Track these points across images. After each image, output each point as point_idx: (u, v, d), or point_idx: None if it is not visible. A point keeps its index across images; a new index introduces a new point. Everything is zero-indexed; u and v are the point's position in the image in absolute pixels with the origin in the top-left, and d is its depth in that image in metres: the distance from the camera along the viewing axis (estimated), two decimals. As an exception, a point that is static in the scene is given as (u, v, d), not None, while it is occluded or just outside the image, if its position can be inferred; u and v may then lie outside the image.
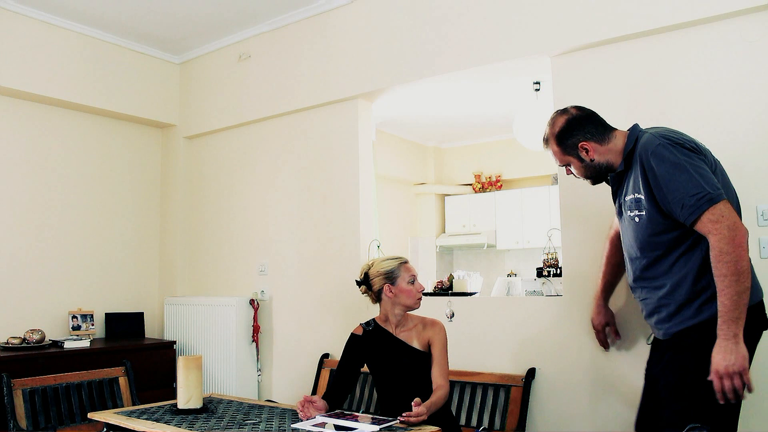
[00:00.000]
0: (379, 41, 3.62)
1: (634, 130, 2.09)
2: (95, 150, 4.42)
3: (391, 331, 2.49)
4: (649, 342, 2.30)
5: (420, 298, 2.50)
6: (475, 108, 5.98)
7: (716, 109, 2.57)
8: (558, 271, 3.55)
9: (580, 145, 2.11)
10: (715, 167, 1.97)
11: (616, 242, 2.40)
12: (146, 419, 2.32)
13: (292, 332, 3.94)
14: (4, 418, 2.98)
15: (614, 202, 2.22)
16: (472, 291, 3.57)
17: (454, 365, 3.06)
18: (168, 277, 4.66)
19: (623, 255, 2.23)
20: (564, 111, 2.18)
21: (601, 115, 2.22)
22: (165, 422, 2.27)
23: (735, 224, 1.80)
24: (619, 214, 2.15)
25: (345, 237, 3.71)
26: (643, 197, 1.97)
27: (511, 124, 5.13)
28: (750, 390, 1.82)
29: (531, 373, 2.93)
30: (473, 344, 3.16)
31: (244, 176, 4.32)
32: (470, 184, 7.61)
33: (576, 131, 2.11)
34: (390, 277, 2.46)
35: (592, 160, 2.11)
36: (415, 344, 2.47)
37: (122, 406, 3.25)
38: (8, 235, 3.91)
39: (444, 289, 3.57)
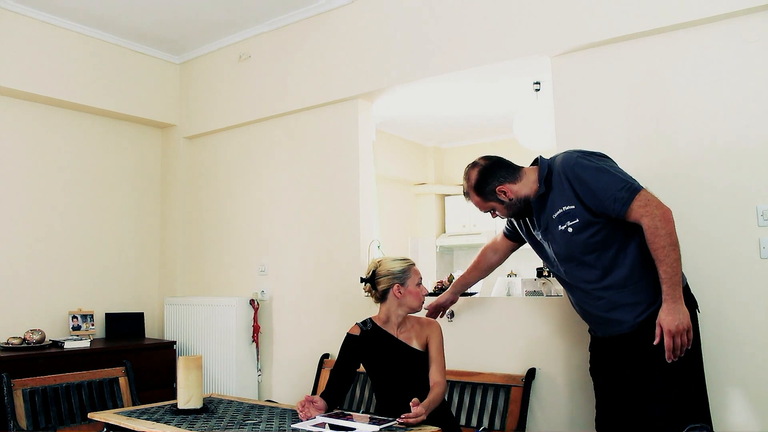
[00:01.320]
0: (379, 41, 3.62)
1: (542, 159, 2.33)
2: (95, 150, 4.42)
3: (391, 332, 2.49)
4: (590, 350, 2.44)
5: (423, 301, 2.53)
6: (475, 108, 5.98)
7: (716, 109, 2.57)
8: (558, 271, 3.55)
9: (497, 189, 2.32)
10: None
11: (490, 254, 2.78)
12: (146, 419, 2.32)
13: (292, 332, 3.94)
14: (4, 418, 2.98)
15: (531, 228, 2.41)
16: (472, 291, 3.57)
17: (454, 366, 3.07)
18: (168, 277, 4.66)
19: (488, 264, 2.74)
20: (474, 164, 2.39)
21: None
22: (165, 422, 2.27)
23: (660, 204, 2.05)
24: (545, 234, 2.31)
25: (345, 237, 3.71)
26: (573, 206, 2.16)
27: (511, 124, 5.13)
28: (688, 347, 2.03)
29: (531, 373, 2.93)
30: (473, 344, 3.16)
31: (244, 176, 4.32)
32: (470, 184, 7.60)
33: (490, 179, 2.33)
34: (400, 277, 2.48)
35: (510, 200, 2.32)
36: (415, 345, 2.47)
37: (122, 406, 3.25)
38: (8, 235, 3.91)
39: (444, 289, 3.57)
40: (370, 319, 2.56)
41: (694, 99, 2.62)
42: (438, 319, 2.80)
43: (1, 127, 3.93)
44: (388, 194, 6.88)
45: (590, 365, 2.42)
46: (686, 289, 2.14)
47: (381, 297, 2.51)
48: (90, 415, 2.51)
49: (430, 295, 3.50)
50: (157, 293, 4.69)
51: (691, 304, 2.13)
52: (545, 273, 4.14)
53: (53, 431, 3.04)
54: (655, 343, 2.03)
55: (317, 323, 3.79)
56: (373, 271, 2.53)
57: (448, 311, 3.20)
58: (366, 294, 2.58)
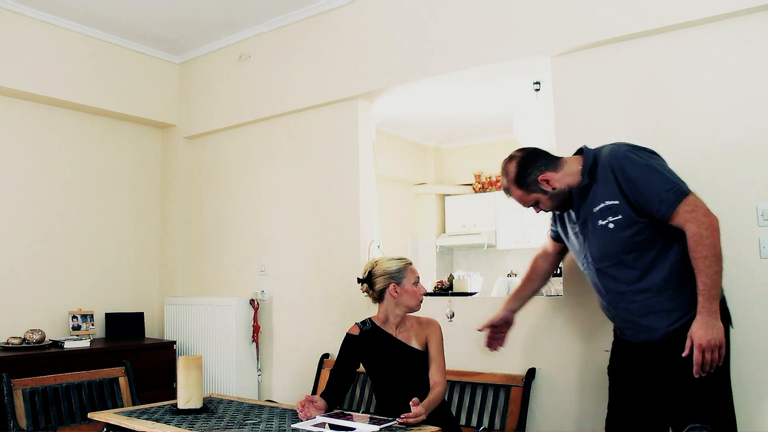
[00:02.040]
0: (379, 41, 3.62)
1: (587, 149, 2.20)
2: (95, 150, 4.42)
3: (390, 332, 2.49)
4: (607, 349, 2.40)
5: (422, 300, 2.51)
6: (475, 108, 5.98)
7: (716, 109, 2.57)
8: (558, 271, 3.55)
9: (539, 179, 2.19)
10: None
11: (540, 262, 2.61)
12: (146, 419, 2.32)
13: (292, 332, 3.94)
14: (4, 418, 2.98)
15: (557, 225, 2.36)
16: (472, 291, 3.57)
17: (454, 365, 3.06)
18: (168, 277, 4.66)
19: (540, 273, 2.59)
20: (511, 158, 2.27)
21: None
22: (165, 422, 2.27)
23: (708, 212, 1.95)
24: (583, 227, 2.19)
25: (345, 237, 3.71)
26: (617, 202, 2.06)
27: (511, 124, 5.13)
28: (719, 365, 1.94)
29: (531, 373, 2.93)
30: (473, 344, 3.16)
31: (244, 176, 4.32)
32: (470, 184, 7.61)
33: (530, 168, 2.21)
34: (396, 277, 2.47)
35: (554, 189, 2.19)
36: (414, 344, 2.47)
37: (122, 406, 3.25)
38: (8, 235, 3.91)
39: (444, 289, 3.57)
40: (369, 319, 2.56)
41: (694, 99, 2.62)
42: (438, 319, 2.79)
43: (1, 127, 3.93)
44: (388, 194, 6.88)
45: (610, 364, 2.34)
46: (722, 303, 2.01)
47: (378, 297, 2.51)
48: (90, 415, 2.51)
49: (430, 294, 3.50)
50: (157, 293, 4.69)
51: (725, 319, 2.02)
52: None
53: (53, 431, 3.04)
54: (683, 354, 1.93)
55: (317, 323, 3.79)
56: (370, 272, 2.52)
57: (448, 311, 3.20)
58: (364, 294, 2.58)
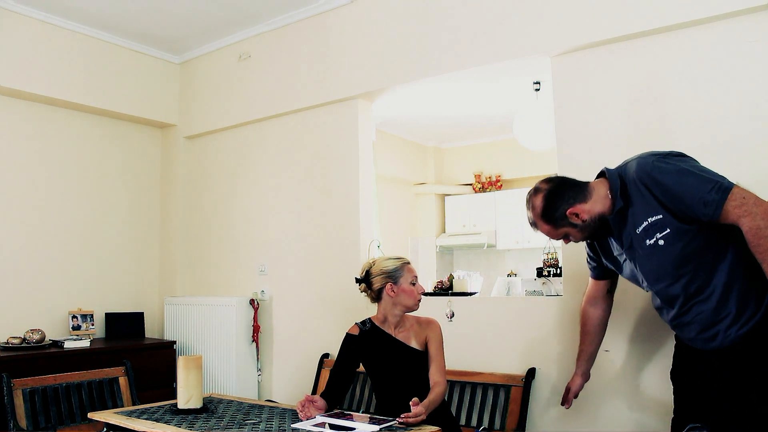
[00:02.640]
0: (379, 41, 3.62)
1: (610, 170, 2.07)
2: (95, 150, 4.42)
3: (389, 331, 2.49)
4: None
5: (420, 300, 2.50)
6: (475, 108, 5.98)
7: (716, 109, 2.57)
8: (558, 271, 3.56)
9: (567, 213, 2.05)
10: None
11: (590, 310, 2.42)
12: (146, 419, 2.32)
13: (292, 332, 3.94)
14: (4, 418, 2.98)
15: (599, 259, 2.21)
16: (472, 291, 3.58)
17: (454, 365, 3.06)
18: (168, 277, 4.66)
19: (595, 323, 2.39)
20: (537, 190, 2.12)
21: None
22: (165, 422, 2.27)
23: (759, 200, 1.79)
24: (629, 252, 2.05)
25: (345, 237, 3.71)
26: (661, 216, 1.91)
27: (511, 124, 5.13)
28: None
29: (531, 373, 2.93)
30: (473, 344, 3.16)
31: (244, 176, 4.32)
32: (470, 184, 7.61)
33: (558, 203, 2.06)
34: (393, 276, 2.46)
35: (584, 221, 2.06)
36: (414, 344, 2.47)
37: (122, 406, 3.25)
38: (8, 235, 3.91)
39: (444, 289, 3.57)
40: (369, 319, 2.55)
41: (693, 99, 2.62)
42: (438, 319, 2.79)
43: (1, 127, 3.93)
44: (388, 194, 6.88)
45: (673, 369, 2.19)
46: None
47: (376, 297, 2.51)
48: (90, 415, 2.51)
49: (430, 294, 3.50)
50: (157, 293, 4.69)
51: None
52: (545, 273, 4.14)
53: (53, 431, 3.04)
54: None
55: (317, 323, 3.79)
56: (367, 271, 2.52)
57: (448, 311, 3.20)
58: (363, 294, 2.58)
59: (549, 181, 2.12)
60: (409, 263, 2.53)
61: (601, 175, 2.09)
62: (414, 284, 2.48)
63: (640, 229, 1.96)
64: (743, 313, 1.88)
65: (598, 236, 2.13)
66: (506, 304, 3.17)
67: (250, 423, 2.25)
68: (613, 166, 2.10)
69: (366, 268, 2.53)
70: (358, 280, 2.55)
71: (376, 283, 2.47)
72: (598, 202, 2.04)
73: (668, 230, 1.90)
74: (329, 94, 3.83)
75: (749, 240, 1.77)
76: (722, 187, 1.81)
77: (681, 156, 1.96)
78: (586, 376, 2.52)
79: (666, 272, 1.96)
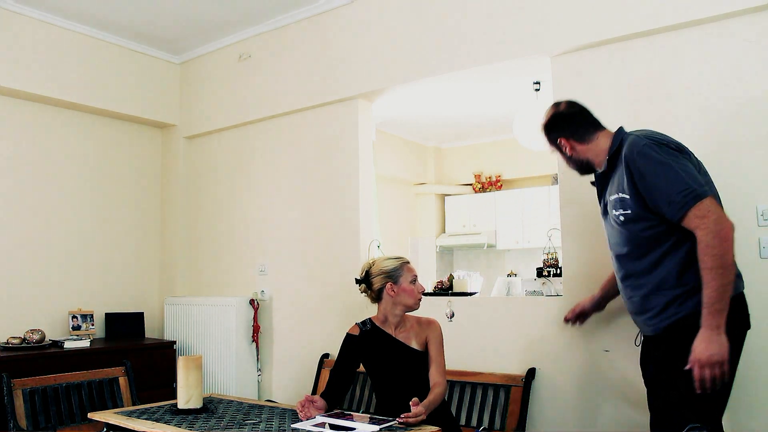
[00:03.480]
0: (379, 41, 3.62)
1: (620, 132, 2.15)
2: (95, 150, 4.42)
3: (389, 332, 2.49)
4: (638, 344, 2.35)
5: (420, 299, 2.50)
6: (475, 108, 5.98)
7: (716, 109, 2.57)
8: (558, 271, 3.56)
9: (558, 140, 2.24)
10: (699, 168, 2.04)
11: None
12: (146, 419, 2.32)
13: (292, 332, 3.94)
14: (4, 418, 2.98)
15: (599, 203, 2.29)
16: (472, 291, 3.57)
17: (454, 365, 3.06)
18: (168, 277, 4.66)
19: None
20: (556, 105, 2.28)
21: (599, 114, 2.24)
22: (165, 422, 2.27)
23: (721, 218, 1.85)
24: (604, 214, 2.22)
25: (345, 237, 3.71)
26: (628, 196, 2.02)
27: (511, 124, 5.13)
28: (725, 380, 1.86)
29: (531, 373, 2.93)
30: (473, 344, 3.16)
31: (244, 176, 4.32)
32: (470, 184, 7.61)
33: (557, 127, 2.24)
34: (392, 276, 2.46)
35: (570, 156, 2.24)
36: (414, 344, 2.47)
37: (122, 406, 3.25)
38: (8, 235, 3.91)
39: (444, 289, 3.57)
40: (369, 319, 2.56)
41: (694, 99, 2.62)
42: (438, 319, 2.79)
43: (1, 127, 3.93)
44: (388, 194, 6.88)
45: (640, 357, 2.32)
46: (738, 300, 1.94)
47: (376, 297, 2.51)
48: (90, 415, 2.52)
49: (430, 294, 3.50)
50: (157, 293, 4.69)
51: (740, 326, 1.95)
52: (545, 273, 4.13)
53: (53, 431, 3.04)
54: (685, 368, 1.87)
55: (317, 323, 3.79)
56: (367, 271, 2.52)
57: (448, 311, 3.20)
58: (363, 294, 2.58)
59: (570, 105, 2.26)
60: (408, 263, 2.53)
61: (620, 131, 2.17)
62: (414, 283, 2.48)
63: (612, 198, 2.11)
64: (669, 308, 1.99)
65: (584, 173, 2.31)
66: (506, 304, 3.17)
67: (250, 423, 2.25)
68: None
69: (365, 268, 2.54)
70: (358, 281, 2.55)
71: (376, 283, 2.48)
72: (592, 151, 2.20)
73: (629, 211, 2.02)
74: (329, 94, 3.83)
75: (698, 253, 1.87)
76: (694, 193, 1.87)
77: (679, 150, 2.01)
78: (598, 304, 2.60)
79: (619, 244, 2.13)
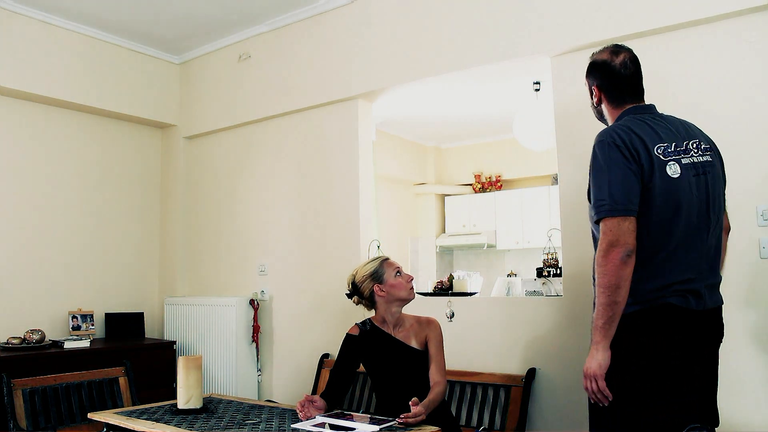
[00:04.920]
0: (379, 41, 3.62)
1: (621, 115, 2.06)
2: (95, 150, 4.42)
3: (389, 331, 2.49)
4: None
5: (411, 288, 2.49)
6: (475, 108, 5.98)
7: (716, 109, 2.57)
8: (558, 271, 3.55)
9: (589, 81, 2.14)
10: (652, 177, 1.88)
11: None
12: (146, 419, 2.32)
13: (292, 332, 3.94)
14: (4, 418, 2.97)
15: None
16: (472, 291, 3.57)
17: (454, 365, 3.07)
18: (168, 277, 4.66)
19: None
20: (615, 52, 2.11)
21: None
22: (165, 422, 2.27)
23: (615, 242, 1.81)
24: None
25: (345, 237, 3.71)
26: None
27: (511, 124, 5.13)
28: (607, 397, 1.83)
29: (531, 373, 2.93)
30: (473, 344, 3.16)
31: (244, 176, 4.32)
32: (470, 184, 7.61)
33: (596, 73, 2.11)
34: (376, 277, 2.47)
35: (595, 106, 2.15)
36: (413, 344, 2.47)
37: (122, 406, 3.25)
38: (8, 235, 3.91)
39: (444, 289, 3.57)
40: (369, 319, 2.56)
41: (693, 99, 2.62)
42: (438, 319, 2.79)
43: (1, 127, 3.93)
44: (388, 194, 6.88)
45: None
46: (629, 339, 1.84)
47: (370, 302, 2.51)
48: (90, 415, 2.51)
49: (430, 294, 3.50)
50: (157, 293, 4.69)
51: (628, 342, 1.84)
52: (545, 273, 4.13)
53: (53, 431, 3.04)
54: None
55: (317, 323, 3.79)
56: (352, 283, 2.54)
57: (448, 311, 3.20)
58: (359, 306, 2.58)
59: (625, 66, 2.09)
60: (387, 259, 2.53)
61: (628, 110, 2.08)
62: (399, 275, 2.48)
63: None
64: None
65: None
66: (506, 304, 3.17)
67: (250, 423, 2.25)
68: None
69: (350, 280, 2.56)
70: (348, 295, 2.56)
71: (365, 290, 2.49)
72: (610, 114, 2.11)
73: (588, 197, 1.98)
74: (329, 94, 3.83)
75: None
76: (606, 208, 1.84)
77: (625, 157, 1.88)
78: None
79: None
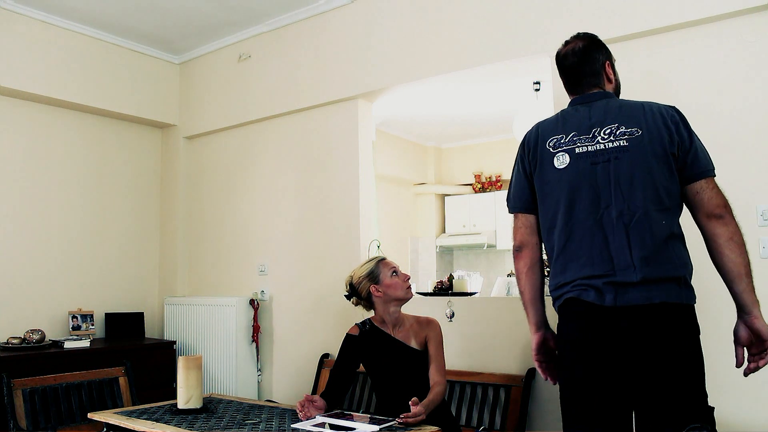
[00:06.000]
0: (379, 41, 3.62)
1: (569, 104, 1.99)
2: (95, 150, 4.42)
3: (388, 331, 2.49)
4: None
5: (409, 287, 2.50)
6: (475, 108, 5.98)
7: (716, 109, 2.57)
8: (558, 271, 3.55)
9: (605, 62, 1.97)
10: (537, 172, 1.90)
11: None
12: (146, 419, 2.32)
13: (292, 332, 3.94)
14: (4, 418, 2.97)
15: None
16: (472, 291, 3.57)
17: (454, 365, 3.07)
18: (168, 277, 4.66)
19: None
20: (565, 42, 2.03)
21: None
22: (165, 422, 2.27)
23: (513, 237, 1.99)
24: None
25: (345, 237, 3.71)
26: None
27: (511, 124, 5.13)
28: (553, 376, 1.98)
29: (531, 373, 2.93)
30: (473, 344, 3.16)
31: (244, 176, 4.32)
32: (470, 184, 7.61)
33: (607, 51, 2.00)
34: (372, 277, 2.48)
35: (612, 81, 2.00)
36: (413, 344, 2.47)
37: (122, 406, 3.25)
38: (8, 235, 3.91)
39: (444, 289, 3.57)
40: (369, 319, 2.56)
41: (693, 99, 2.62)
42: (438, 319, 2.79)
43: (1, 127, 3.93)
44: (388, 194, 6.88)
45: None
46: (563, 305, 1.86)
47: (368, 303, 2.53)
48: (90, 415, 2.51)
49: (430, 294, 3.50)
50: (157, 293, 4.69)
51: (562, 330, 1.87)
52: (545, 273, 4.13)
53: (53, 431, 3.04)
54: None
55: (317, 323, 3.79)
56: (350, 284, 2.55)
57: (448, 311, 3.20)
58: (358, 307, 2.59)
59: (578, 45, 1.99)
60: (384, 259, 2.54)
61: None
62: (396, 275, 2.48)
63: None
64: None
65: None
66: (506, 304, 3.17)
67: (250, 423, 2.25)
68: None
69: (348, 281, 2.57)
70: (347, 296, 2.57)
71: (362, 290, 2.50)
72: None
73: None
74: (329, 94, 3.83)
75: None
76: (509, 206, 2.01)
77: (519, 155, 2.02)
78: None
79: None
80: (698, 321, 1.77)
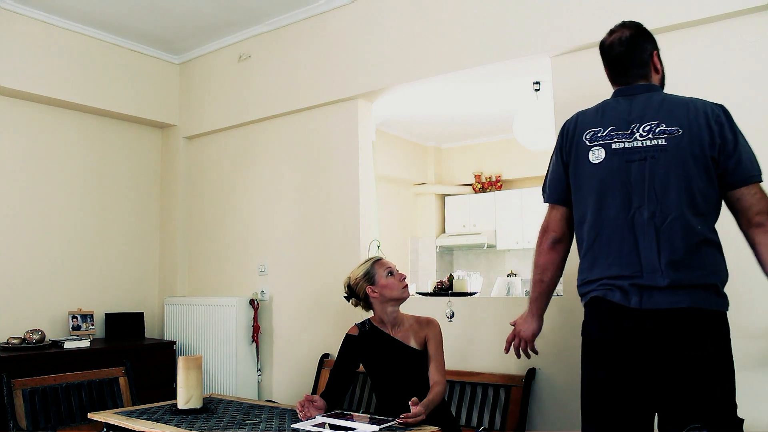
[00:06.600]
0: (379, 41, 3.62)
1: (612, 95, 1.98)
2: (95, 150, 4.42)
3: (387, 332, 2.50)
4: None
5: (405, 287, 2.51)
6: (475, 108, 5.98)
7: (716, 109, 2.57)
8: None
9: (654, 53, 1.95)
10: (574, 165, 1.88)
11: None
12: (146, 419, 2.32)
13: (292, 332, 3.94)
14: (4, 418, 2.97)
15: None
16: (472, 291, 3.57)
17: (454, 365, 3.06)
18: (168, 277, 4.66)
19: None
20: (611, 31, 2.02)
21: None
22: (165, 422, 2.27)
23: (546, 228, 2.00)
24: None
25: (345, 237, 3.71)
26: None
27: (511, 124, 5.13)
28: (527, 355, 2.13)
29: (531, 373, 2.93)
30: (473, 344, 3.16)
31: (244, 176, 4.32)
32: (470, 184, 7.61)
33: (654, 41, 1.95)
34: (368, 278, 2.48)
35: (660, 69, 1.98)
36: (413, 344, 2.47)
37: (122, 406, 3.25)
38: (8, 235, 3.91)
39: (444, 289, 3.57)
40: (368, 319, 2.57)
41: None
42: (438, 319, 2.79)
43: (1, 127, 3.93)
44: (388, 194, 6.88)
45: None
46: (588, 305, 1.86)
47: (366, 304, 2.54)
48: (90, 415, 2.51)
49: (430, 294, 3.50)
50: (157, 293, 4.69)
51: (585, 325, 1.87)
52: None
53: (53, 431, 3.04)
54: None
55: (317, 323, 3.79)
56: (348, 286, 2.56)
57: (448, 311, 3.20)
58: (356, 307, 2.59)
59: (624, 34, 1.99)
60: (380, 259, 2.55)
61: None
62: (392, 275, 2.49)
63: None
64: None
65: None
66: (506, 304, 3.17)
67: (250, 423, 2.25)
68: None
69: (346, 283, 2.58)
70: (346, 297, 2.58)
71: (359, 291, 2.52)
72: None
73: None
74: (329, 95, 3.83)
75: None
76: (543, 197, 2.04)
77: (559, 142, 1.98)
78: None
79: None
80: (730, 329, 1.72)
